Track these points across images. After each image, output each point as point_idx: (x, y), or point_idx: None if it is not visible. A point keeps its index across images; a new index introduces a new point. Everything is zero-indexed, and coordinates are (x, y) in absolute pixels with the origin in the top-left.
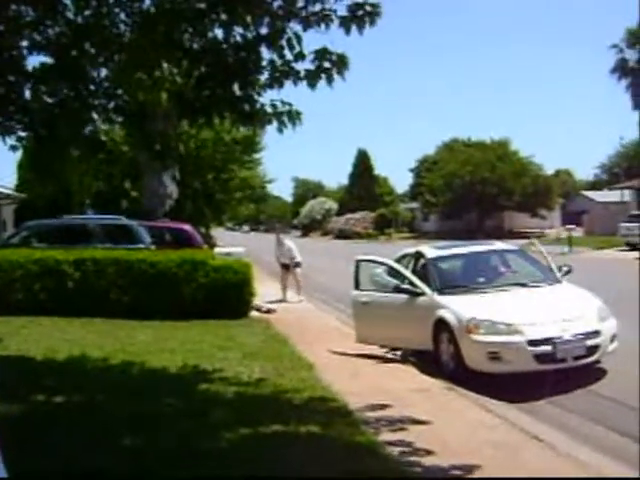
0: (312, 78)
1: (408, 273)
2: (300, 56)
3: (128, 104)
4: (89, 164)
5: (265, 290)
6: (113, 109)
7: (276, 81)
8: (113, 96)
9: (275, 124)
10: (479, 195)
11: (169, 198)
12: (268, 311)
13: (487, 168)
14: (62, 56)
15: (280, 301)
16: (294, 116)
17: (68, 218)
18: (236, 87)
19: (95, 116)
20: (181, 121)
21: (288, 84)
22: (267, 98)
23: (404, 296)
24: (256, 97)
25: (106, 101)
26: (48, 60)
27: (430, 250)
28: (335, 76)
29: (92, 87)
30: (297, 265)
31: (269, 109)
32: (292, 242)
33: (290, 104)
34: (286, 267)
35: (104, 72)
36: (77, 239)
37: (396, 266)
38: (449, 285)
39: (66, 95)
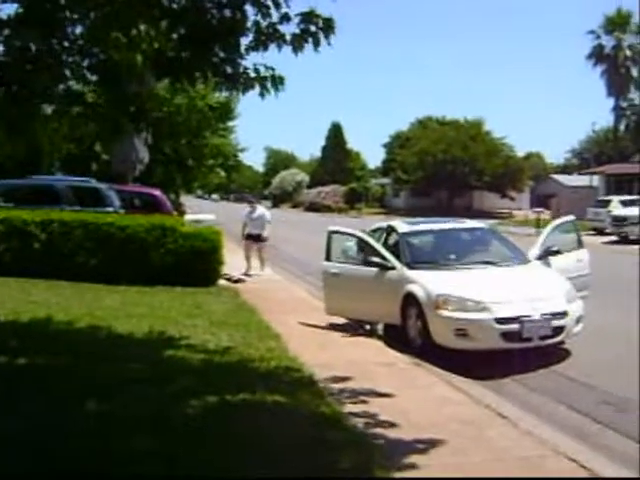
0: (297, 42)
1: (379, 246)
2: (286, 18)
3: (103, 63)
4: (62, 122)
5: (234, 259)
6: (87, 67)
7: (260, 44)
8: (88, 54)
9: (257, 89)
10: (450, 174)
11: (140, 163)
12: (238, 280)
13: (459, 147)
14: (35, 7)
15: (245, 274)
16: (277, 81)
17: (36, 178)
18: (218, 49)
19: (69, 73)
20: (160, 81)
21: (271, 49)
22: (250, 62)
23: (374, 269)
24: (239, 60)
25: (80, 59)
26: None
27: (402, 225)
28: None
29: (66, 44)
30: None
31: (252, 73)
32: (267, 211)
33: (273, 69)
34: (252, 238)
35: (79, 29)
36: (45, 200)
37: (367, 239)
38: (419, 260)
39: (39, 50)
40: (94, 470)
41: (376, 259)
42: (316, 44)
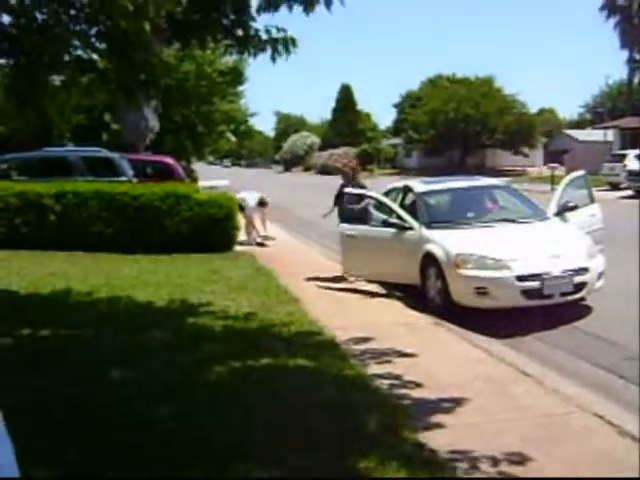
0: (309, 1)
1: (396, 207)
2: None
3: (111, 31)
4: (72, 92)
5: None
6: (95, 35)
7: (272, 4)
8: (95, 22)
9: (269, 52)
10: (462, 132)
11: (150, 131)
12: (261, 244)
13: (471, 105)
14: None
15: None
16: (289, 44)
17: (48, 150)
18: (229, 10)
19: (77, 42)
20: (170, 46)
21: (282, 10)
22: (261, 24)
23: (392, 230)
24: (250, 22)
25: (88, 27)
26: None
27: (418, 184)
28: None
29: (73, 12)
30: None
31: (263, 35)
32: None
33: (285, 30)
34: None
35: None
36: (58, 172)
37: (384, 199)
38: (437, 219)
39: (46, 20)
40: (116, 433)
41: (393, 220)
42: (328, 3)
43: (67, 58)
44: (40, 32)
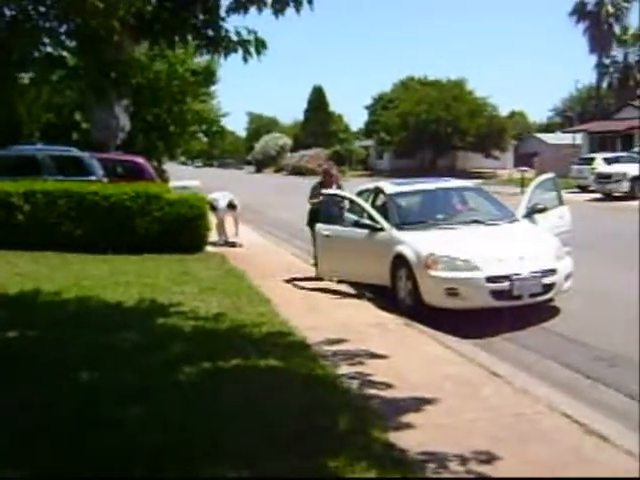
0: (279, 4)
1: (368, 207)
2: None
3: (81, 28)
4: (41, 90)
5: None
6: (65, 33)
7: (241, 5)
8: (65, 20)
9: (240, 53)
10: (433, 134)
11: (121, 131)
12: (232, 244)
13: (442, 107)
14: None
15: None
16: (259, 45)
17: (17, 149)
18: (198, 10)
19: (47, 40)
20: (138, 44)
21: (252, 13)
22: (231, 25)
23: (365, 231)
24: (220, 23)
25: (57, 24)
26: None
27: (389, 186)
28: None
29: (43, 9)
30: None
31: (234, 36)
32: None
33: (255, 32)
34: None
35: None
36: (26, 171)
37: (357, 200)
38: (408, 221)
39: (15, 17)
40: (87, 434)
41: (366, 221)
42: (298, 7)
43: (36, 55)
44: (9, 28)
